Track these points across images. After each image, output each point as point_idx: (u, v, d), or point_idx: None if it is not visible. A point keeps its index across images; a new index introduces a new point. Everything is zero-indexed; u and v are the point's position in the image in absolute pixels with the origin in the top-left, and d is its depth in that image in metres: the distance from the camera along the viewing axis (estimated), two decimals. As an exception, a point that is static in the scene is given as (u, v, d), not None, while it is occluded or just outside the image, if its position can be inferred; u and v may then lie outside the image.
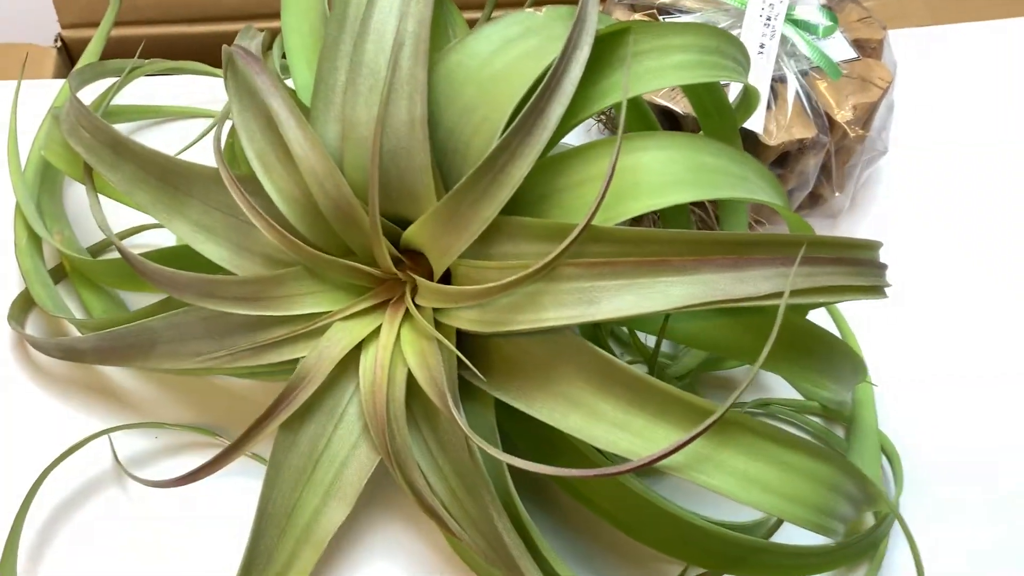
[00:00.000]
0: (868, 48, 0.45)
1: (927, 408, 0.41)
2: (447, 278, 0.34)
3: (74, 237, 0.44)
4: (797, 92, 0.42)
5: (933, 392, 0.41)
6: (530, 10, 0.33)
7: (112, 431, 0.37)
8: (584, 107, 0.32)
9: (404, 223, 0.34)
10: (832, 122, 0.42)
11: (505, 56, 0.32)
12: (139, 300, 0.43)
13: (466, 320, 0.32)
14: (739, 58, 0.34)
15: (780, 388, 0.41)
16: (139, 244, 0.44)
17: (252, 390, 0.40)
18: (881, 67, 0.44)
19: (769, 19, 0.41)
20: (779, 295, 0.29)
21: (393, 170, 0.32)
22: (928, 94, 0.51)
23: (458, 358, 0.32)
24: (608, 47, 0.32)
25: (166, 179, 0.36)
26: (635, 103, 0.39)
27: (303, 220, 0.34)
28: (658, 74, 0.32)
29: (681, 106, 0.42)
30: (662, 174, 0.31)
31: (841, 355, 0.35)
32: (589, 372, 0.31)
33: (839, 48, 0.44)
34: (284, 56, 0.40)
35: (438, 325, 0.33)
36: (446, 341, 0.32)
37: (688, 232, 0.30)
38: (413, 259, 0.35)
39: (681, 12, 0.44)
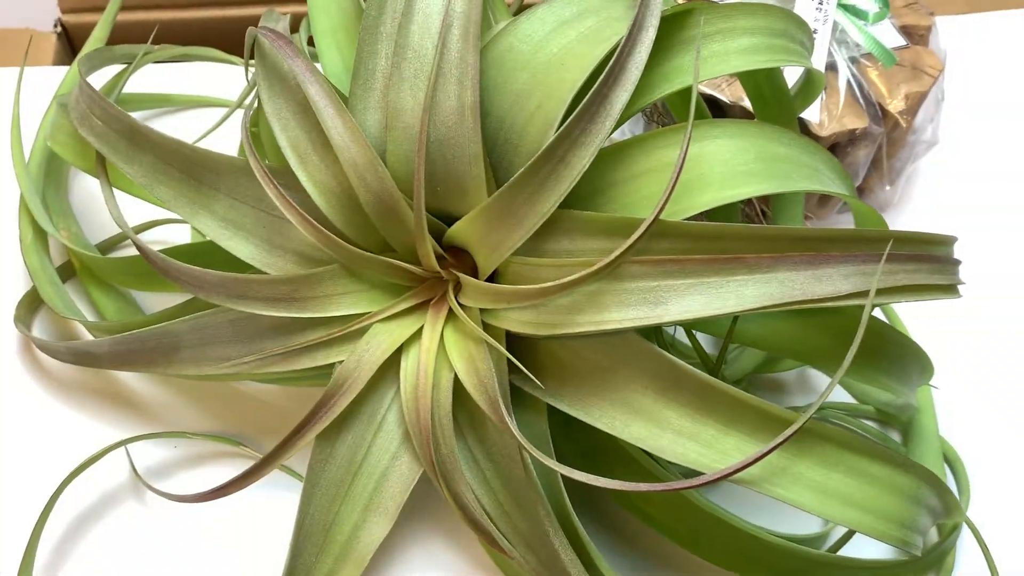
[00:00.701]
0: (915, 35, 0.43)
1: (986, 411, 0.39)
2: (492, 277, 0.31)
3: (82, 233, 0.41)
4: (849, 80, 0.40)
5: (992, 394, 0.40)
6: (585, -11, 0.31)
7: (129, 442, 0.35)
8: (644, 94, 0.30)
9: (448, 218, 0.32)
10: (884, 112, 0.40)
11: (560, 39, 0.30)
12: (152, 300, 0.40)
13: (518, 322, 0.30)
14: (805, 42, 0.32)
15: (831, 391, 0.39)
16: (155, 240, 0.42)
17: (276, 395, 0.38)
18: (931, 55, 0.42)
19: (821, 3, 0.39)
20: (858, 295, 0.28)
21: (440, 161, 0.30)
22: (972, 83, 0.49)
23: (509, 362, 0.30)
24: (670, 29, 0.30)
25: (190, 171, 0.33)
26: (686, 92, 0.37)
27: (341, 215, 0.32)
28: (723, 58, 0.30)
29: (727, 94, 0.40)
30: (731, 165, 0.29)
31: (911, 355, 0.33)
32: (652, 376, 0.29)
33: (887, 35, 0.42)
34: (309, 42, 0.38)
35: (486, 327, 0.31)
36: (496, 344, 0.30)
37: (762, 227, 0.28)
38: (455, 256, 0.33)
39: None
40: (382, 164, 0.30)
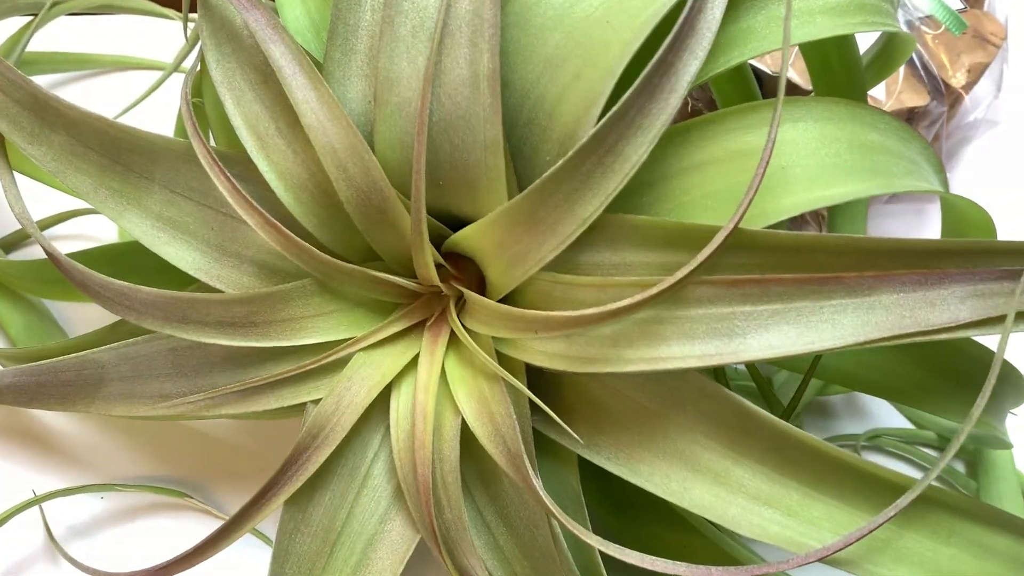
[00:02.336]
0: (972, -3, 0.37)
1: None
2: (507, 295, 0.25)
3: (-20, 226, 0.34)
4: (909, 49, 0.34)
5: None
6: (629, -73, 0.24)
7: (44, 499, 0.27)
8: (705, 62, 0.24)
9: (451, 218, 0.25)
10: (946, 86, 0.35)
11: (604, -11, 0.23)
12: (72, 312, 0.33)
13: (544, 354, 0.24)
14: (894, 1, 0.26)
15: (883, 414, 0.34)
16: (73, 234, 0.34)
17: (230, 430, 0.31)
18: (991, 19, 0.37)
19: (883, -44, 0.33)
20: (980, 323, 0.22)
21: (445, 147, 0.23)
22: None
23: (531, 403, 0.24)
24: (737, -19, 0.24)
25: (114, 155, 0.26)
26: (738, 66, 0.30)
27: (313, 215, 0.25)
28: (806, 20, 0.24)
29: (768, 63, 0.34)
30: (819, 156, 0.23)
31: (1011, 384, 0.27)
32: (717, 424, 0.23)
33: (945, -5, 0.36)
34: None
35: (500, 358, 0.24)
36: (518, 384, 0.23)
37: (859, 238, 0.22)
38: (457, 265, 0.26)
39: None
40: (369, 150, 0.23)
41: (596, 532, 0.24)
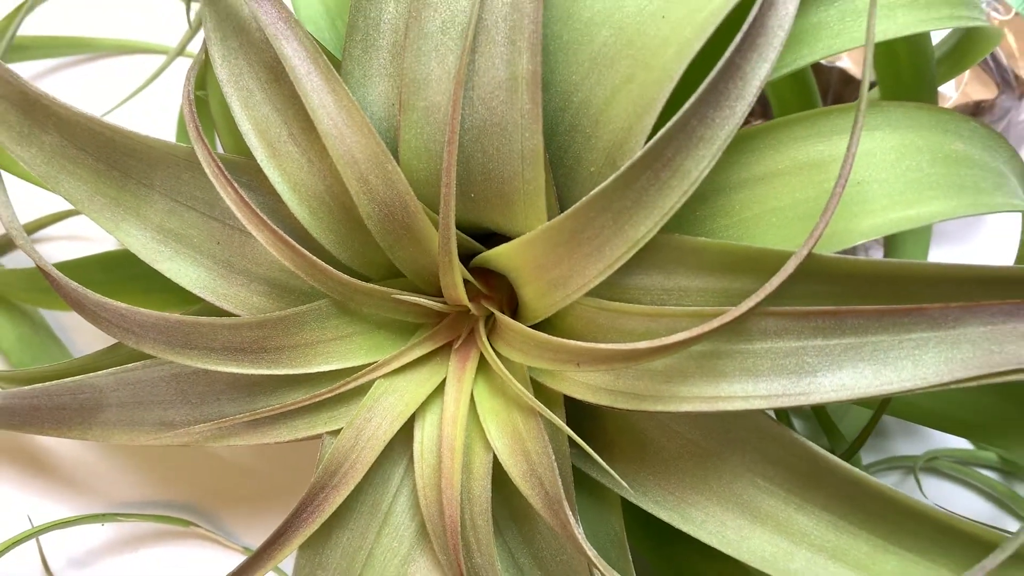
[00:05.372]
0: (1041, -22, 0.34)
1: None
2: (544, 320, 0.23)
3: (-30, 228, 0.31)
4: (976, 37, 0.31)
5: None
6: (686, -93, 0.21)
7: (42, 531, 0.25)
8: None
9: (482, 231, 0.23)
10: (1016, 78, 0.32)
11: (658, -21, 0.20)
12: (69, 322, 0.30)
13: (587, 387, 0.21)
14: (980, -10, 0.23)
15: (940, 434, 0.32)
16: (67, 235, 0.32)
17: (238, 452, 0.29)
18: (1063, 4, 0.34)
19: (952, -65, 0.30)
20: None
21: (478, 157, 0.21)
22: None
23: (570, 440, 0.22)
24: (808, -31, 0.21)
25: (111, 160, 0.24)
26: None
27: (329, 229, 0.22)
28: (886, 14, 0.21)
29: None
30: (899, 169, 0.20)
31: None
32: (778, 466, 0.21)
33: (1013, -23, 0.33)
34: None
35: (536, 388, 0.22)
36: (557, 420, 0.21)
37: (945, 265, 0.19)
38: (487, 281, 0.24)
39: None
40: (392, 160, 0.21)
41: (636, 567, 0.22)
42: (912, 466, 0.30)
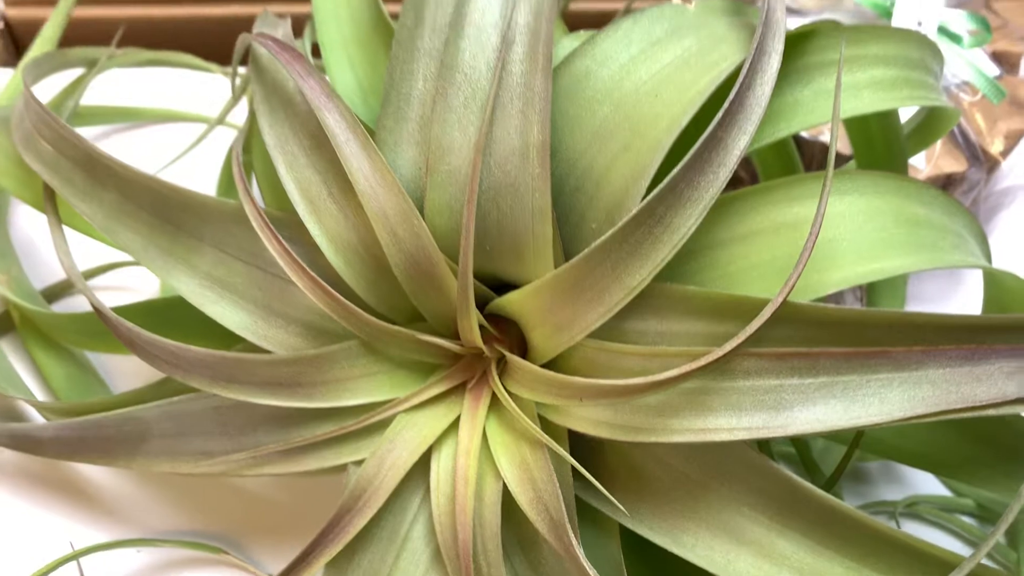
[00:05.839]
0: (1007, 63, 0.38)
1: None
2: (550, 360, 0.25)
3: (24, 277, 0.34)
4: (946, 115, 0.34)
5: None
6: (677, 1, 0.25)
7: (82, 554, 0.27)
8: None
9: (495, 281, 0.25)
10: (984, 153, 0.35)
11: (652, 64, 0.23)
12: (112, 363, 0.33)
13: (588, 421, 0.24)
14: (939, 73, 0.26)
15: (920, 481, 0.34)
16: (113, 286, 0.35)
17: (267, 486, 0.31)
18: (1027, 87, 0.37)
19: (920, 23, 0.34)
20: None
21: (494, 214, 0.23)
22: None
23: (574, 470, 0.24)
24: (785, 55, 0.24)
25: (165, 215, 0.26)
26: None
27: (362, 278, 0.25)
28: (852, 94, 0.24)
29: (809, 130, 0.34)
30: (866, 230, 0.23)
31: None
32: (762, 496, 0.23)
33: (981, 63, 0.36)
34: (314, 53, 0.31)
35: (543, 423, 0.24)
36: (562, 451, 0.23)
37: (906, 313, 0.22)
38: (499, 327, 0.26)
39: (797, 14, 0.36)
40: (419, 216, 0.24)
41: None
42: (893, 511, 0.32)
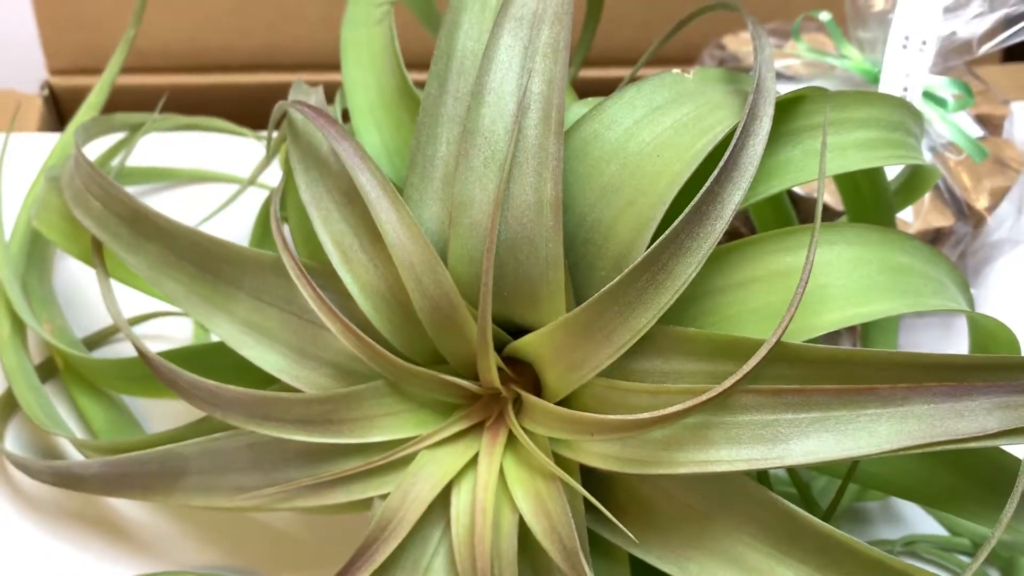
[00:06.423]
0: (991, 125, 0.40)
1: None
2: (563, 399, 0.27)
3: (67, 326, 0.36)
4: (932, 174, 0.36)
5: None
6: (677, 71, 0.27)
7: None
8: (748, 191, 0.26)
9: (512, 327, 0.27)
10: (970, 208, 0.37)
11: (654, 127, 0.26)
12: (147, 408, 0.35)
13: (598, 455, 0.25)
14: (919, 134, 0.29)
15: (919, 520, 0.35)
16: (149, 334, 0.37)
17: (292, 523, 0.33)
18: (1010, 146, 0.39)
19: (906, 89, 0.36)
20: (1009, 433, 0.23)
21: (511, 264, 0.26)
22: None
23: (585, 502, 0.25)
24: (776, 118, 0.26)
25: (206, 265, 0.29)
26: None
27: (389, 322, 0.27)
28: (839, 154, 0.26)
29: (804, 188, 0.36)
30: (853, 277, 0.25)
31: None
32: (762, 526, 0.25)
33: (965, 125, 0.39)
34: (343, 119, 0.33)
35: (556, 459, 0.26)
36: (574, 483, 0.25)
37: (893, 353, 0.24)
38: (515, 369, 0.28)
39: (788, 79, 0.39)
40: (442, 265, 0.26)
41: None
42: (891, 549, 0.33)
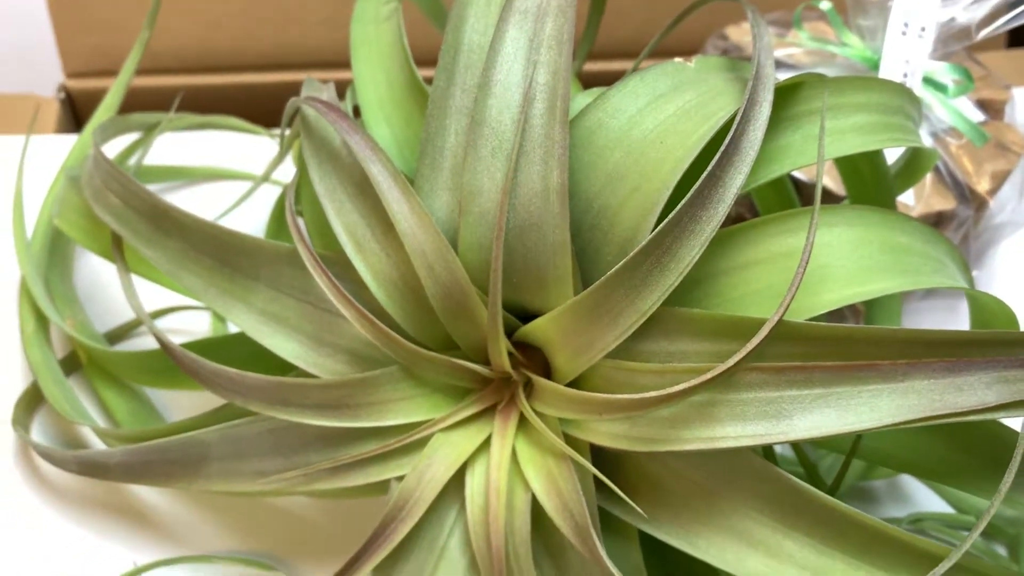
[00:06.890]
0: (992, 109, 0.41)
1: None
2: (573, 381, 0.28)
3: (89, 321, 0.37)
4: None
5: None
6: (679, 60, 0.28)
7: (146, 569, 0.30)
8: (749, 175, 0.27)
9: (521, 311, 0.28)
10: (971, 192, 0.37)
11: (657, 114, 0.26)
12: (167, 399, 0.36)
13: (608, 435, 0.26)
14: (917, 118, 0.29)
15: (925, 498, 0.36)
16: (168, 328, 0.38)
17: (309, 508, 0.33)
18: (1012, 130, 0.40)
19: (906, 75, 0.37)
20: (1008, 406, 0.24)
21: (519, 250, 0.26)
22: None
23: (596, 480, 0.26)
24: (775, 104, 0.27)
25: (224, 258, 0.29)
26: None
27: (402, 309, 0.28)
28: (839, 137, 0.27)
29: (805, 172, 0.37)
30: (853, 257, 0.26)
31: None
32: (768, 500, 0.25)
33: (966, 110, 0.39)
34: (354, 114, 0.34)
35: (567, 439, 0.27)
36: (584, 461, 0.26)
37: (891, 329, 0.24)
38: (524, 352, 0.29)
39: (790, 67, 0.40)
40: (453, 253, 0.27)
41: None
42: (897, 527, 0.34)
